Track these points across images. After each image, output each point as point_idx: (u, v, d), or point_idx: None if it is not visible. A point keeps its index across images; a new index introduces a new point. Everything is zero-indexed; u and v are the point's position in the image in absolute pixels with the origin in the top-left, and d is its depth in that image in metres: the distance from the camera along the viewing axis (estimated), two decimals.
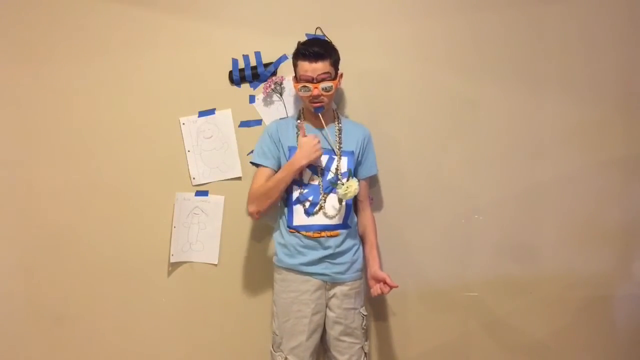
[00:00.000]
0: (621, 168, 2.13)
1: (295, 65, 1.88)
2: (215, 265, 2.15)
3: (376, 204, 2.13)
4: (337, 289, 1.89)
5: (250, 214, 1.92)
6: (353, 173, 1.91)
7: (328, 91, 1.84)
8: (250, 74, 2.11)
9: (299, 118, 1.98)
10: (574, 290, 2.14)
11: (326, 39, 2.06)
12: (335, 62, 1.88)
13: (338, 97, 2.11)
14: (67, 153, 2.15)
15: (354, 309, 1.91)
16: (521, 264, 2.14)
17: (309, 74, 1.82)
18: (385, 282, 1.85)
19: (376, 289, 1.86)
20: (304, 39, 2.04)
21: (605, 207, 2.14)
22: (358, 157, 1.94)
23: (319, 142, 1.85)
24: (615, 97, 2.12)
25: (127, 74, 2.13)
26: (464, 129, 2.13)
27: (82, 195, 2.15)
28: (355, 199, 1.96)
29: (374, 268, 1.92)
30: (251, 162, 1.96)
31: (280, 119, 2.07)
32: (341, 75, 1.92)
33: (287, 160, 1.89)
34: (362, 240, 2.00)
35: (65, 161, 2.15)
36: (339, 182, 1.85)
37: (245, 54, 2.11)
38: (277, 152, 1.93)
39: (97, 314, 2.16)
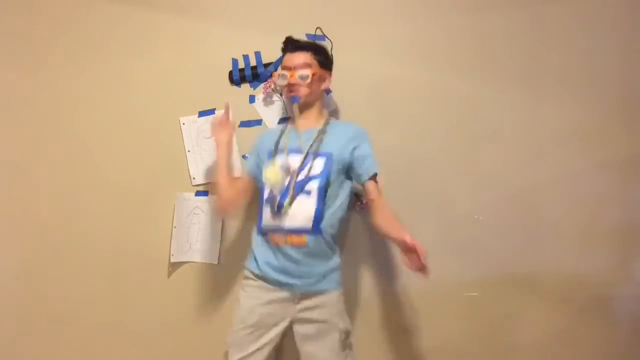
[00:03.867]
0: (621, 168, 2.13)
1: (281, 63, 1.91)
2: (216, 265, 2.15)
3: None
4: (306, 302, 1.78)
5: (216, 207, 2.00)
6: (349, 176, 1.84)
7: (304, 79, 1.82)
8: (250, 74, 2.11)
9: (287, 123, 1.97)
10: (574, 290, 2.14)
11: (327, 39, 2.06)
12: (320, 60, 1.87)
13: (336, 97, 2.11)
14: (67, 153, 2.15)
15: (327, 322, 1.78)
16: (521, 264, 2.14)
17: (288, 64, 1.85)
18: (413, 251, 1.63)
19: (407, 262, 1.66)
20: (304, 39, 2.05)
21: (605, 207, 2.13)
22: (345, 159, 1.81)
23: (223, 122, 1.95)
24: (616, 97, 2.12)
25: (127, 74, 2.13)
26: (464, 129, 2.13)
27: (82, 195, 2.15)
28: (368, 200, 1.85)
29: (399, 235, 1.65)
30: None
31: (278, 125, 2.08)
32: (329, 75, 1.91)
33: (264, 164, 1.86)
34: (386, 232, 1.78)
35: (65, 161, 2.15)
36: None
37: (245, 54, 2.11)
38: (258, 158, 1.91)
39: (97, 314, 2.16)
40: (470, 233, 2.13)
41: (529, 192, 2.14)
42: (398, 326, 2.16)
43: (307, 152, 1.82)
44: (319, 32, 2.09)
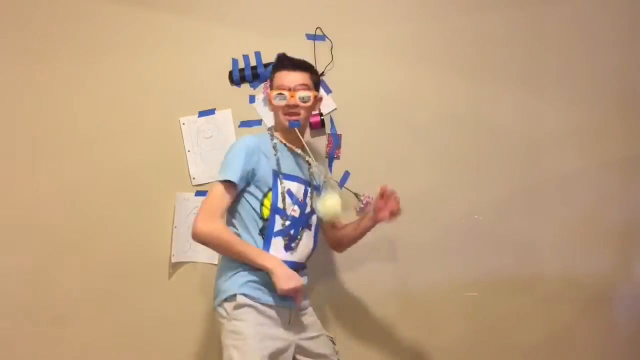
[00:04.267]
0: (621, 168, 2.13)
1: (271, 79, 1.79)
2: (216, 265, 2.14)
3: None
4: (302, 320, 1.73)
5: (194, 234, 1.61)
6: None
7: (305, 102, 1.70)
8: (250, 74, 2.11)
9: (273, 139, 1.77)
10: (574, 290, 2.14)
11: (327, 39, 2.06)
12: (315, 81, 1.77)
13: (336, 97, 2.11)
14: (67, 153, 2.15)
15: (323, 334, 1.79)
16: (521, 264, 2.14)
17: (286, 83, 1.70)
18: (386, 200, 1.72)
19: (385, 213, 1.74)
20: (304, 39, 2.05)
21: (605, 207, 2.14)
22: None
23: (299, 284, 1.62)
24: (615, 97, 2.12)
25: (127, 74, 2.13)
26: (463, 129, 2.13)
27: (82, 195, 2.15)
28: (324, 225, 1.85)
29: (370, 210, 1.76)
30: (220, 180, 1.64)
31: (261, 135, 1.81)
32: (320, 98, 1.83)
33: (268, 186, 1.69)
34: (346, 233, 1.87)
35: (65, 161, 2.15)
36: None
37: (245, 54, 2.11)
38: (254, 174, 1.68)
39: (97, 314, 2.15)
40: (471, 233, 2.13)
41: (529, 192, 2.14)
42: (398, 326, 2.16)
43: (306, 181, 1.77)
44: (319, 32, 2.09)
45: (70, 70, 2.13)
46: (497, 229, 2.14)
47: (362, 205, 2.10)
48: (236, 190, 1.66)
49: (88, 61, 2.12)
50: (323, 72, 2.09)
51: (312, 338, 1.74)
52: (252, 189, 1.69)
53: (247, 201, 1.69)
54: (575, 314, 2.15)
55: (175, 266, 2.15)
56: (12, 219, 2.15)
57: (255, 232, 1.69)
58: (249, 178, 1.68)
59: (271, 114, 1.92)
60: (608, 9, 2.10)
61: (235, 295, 1.63)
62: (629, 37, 2.11)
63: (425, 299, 2.14)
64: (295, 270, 1.65)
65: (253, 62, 2.11)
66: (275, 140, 1.77)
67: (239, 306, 1.62)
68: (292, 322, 1.70)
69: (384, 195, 1.77)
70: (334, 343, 1.82)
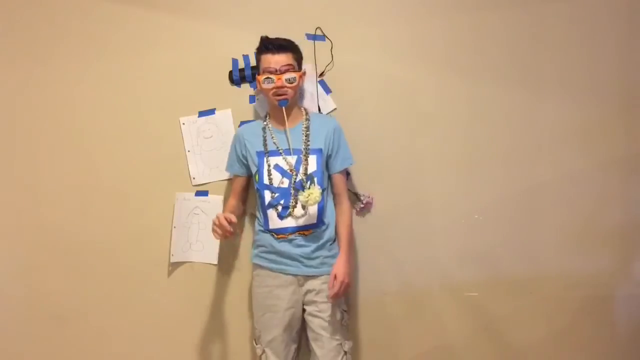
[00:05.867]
0: (621, 168, 2.13)
1: (258, 61, 1.93)
2: (215, 265, 2.15)
3: (376, 204, 2.13)
4: (311, 283, 1.90)
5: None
6: (326, 167, 1.93)
7: (291, 83, 1.86)
8: (250, 74, 2.11)
9: (265, 121, 1.98)
10: (574, 290, 2.14)
11: (327, 39, 2.06)
12: (298, 58, 1.93)
13: (336, 97, 2.11)
14: (67, 153, 2.15)
15: (326, 303, 1.89)
16: (521, 264, 2.14)
17: (272, 65, 1.86)
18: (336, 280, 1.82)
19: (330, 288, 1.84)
20: (304, 39, 2.05)
21: (605, 207, 2.13)
22: (328, 151, 1.93)
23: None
24: (616, 97, 2.12)
25: (127, 74, 2.13)
26: (464, 129, 2.13)
27: (82, 195, 2.15)
28: (332, 192, 1.98)
29: (336, 265, 1.87)
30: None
31: (248, 122, 2.08)
32: (304, 72, 1.96)
33: (256, 166, 1.92)
34: (337, 236, 1.96)
35: (65, 161, 2.15)
36: (304, 190, 1.84)
37: (245, 54, 2.11)
38: (241, 156, 1.97)
39: (97, 314, 2.16)
40: (470, 233, 2.13)
41: (529, 192, 2.14)
42: (398, 326, 2.16)
43: (300, 151, 1.89)
44: (319, 32, 2.09)
45: (70, 70, 2.13)
46: (497, 229, 2.14)
47: (363, 205, 2.10)
48: (238, 176, 2.00)
49: (88, 61, 2.12)
50: (323, 72, 2.09)
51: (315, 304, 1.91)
52: (252, 171, 1.95)
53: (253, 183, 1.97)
54: (575, 314, 2.15)
55: (174, 266, 2.15)
56: (11, 218, 2.15)
57: (260, 209, 1.94)
58: (244, 162, 1.97)
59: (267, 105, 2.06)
60: (608, 9, 2.10)
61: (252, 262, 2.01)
62: (629, 36, 2.11)
63: (425, 299, 2.14)
64: (302, 232, 1.88)
65: (253, 62, 2.11)
66: (265, 122, 1.97)
67: (254, 269, 2.01)
68: (302, 283, 1.93)
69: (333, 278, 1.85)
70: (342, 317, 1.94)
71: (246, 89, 2.13)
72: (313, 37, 2.07)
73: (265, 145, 1.92)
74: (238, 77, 2.12)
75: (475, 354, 2.15)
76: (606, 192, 2.13)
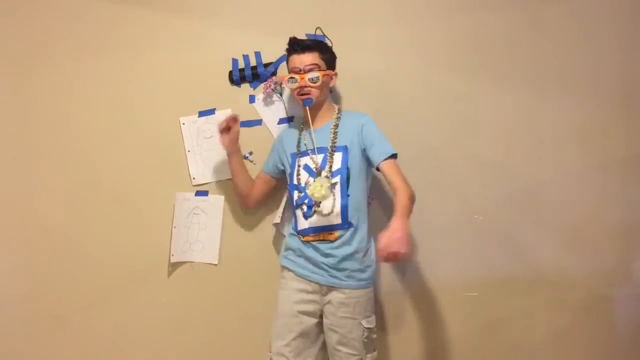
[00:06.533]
0: (621, 168, 2.12)
1: (287, 62, 1.92)
2: (215, 265, 2.15)
3: (376, 204, 2.13)
4: (333, 295, 1.83)
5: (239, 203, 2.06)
6: (368, 163, 1.87)
7: (315, 82, 1.83)
8: (250, 74, 2.11)
9: (302, 122, 1.98)
10: (574, 290, 2.14)
11: (327, 39, 2.06)
12: (326, 58, 1.89)
13: (338, 97, 2.11)
14: (67, 153, 2.15)
15: (352, 318, 1.81)
16: (521, 264, 2.14)
17: (297, 65, 1.86)
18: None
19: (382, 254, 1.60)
20: (304, 38, 2.05)
21: (605, 207, 2.13)
22: (361, 146, 1.86)
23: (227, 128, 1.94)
24: (616, 98, 2.12)
25: (127, 74, 2.13)
26: (464, 129, 2.13)
27: (82, 195, 2.15)
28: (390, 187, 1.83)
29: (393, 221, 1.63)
30: None
31: (291, 124, 2.09)
32: (335, 74, 1.93)
33: (290, 167, 1.93)
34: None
35: (65, 161, 2.15)
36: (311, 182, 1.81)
37: (245, 54, 2.11)
38: (278, 159, 1.99)
39: (97, 314, 2.16)
40: (471, 233, 2.13)
41: (529, 192, 2.14)
42: (398, 326, 2.16)
43: (327, 149, 1.87)
44: (319, 32, 2.09)
45: (70, 70, 2.13)
46: (497, 229, 2.14)
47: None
48: (270, 176, 2.02)
49: (88, 61, 2.13)
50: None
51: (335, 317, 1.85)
52: (287, 173, 1.96)
53: None
54: (575, 314, 2.14)
55: (174, 266, 2.15)
56: (12, 218, 2.15)
57: (292, 211, 1.93)
58: (280, 165, 1.99)
59: (271, 114, 2.12)
60: (609, 8, 2.10)
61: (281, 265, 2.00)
62: (630, 36, 2.11)
63: (425, 299, 2.14)
64: (326, 235, 1.82)
65: (253, 62, 2.11)
66: (302, 124, 1.97)
67: (281, 268, 1.99)
68: (325, 293, 1.87)
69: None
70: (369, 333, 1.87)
71: (246, 89, 2.13)
72: (313, 37, 2.07)
73: (298, 146, 1.93)
74: (238, 77, 2.12)
75: (475, 354, 2.15)
76: (606, 192, 2.13)
